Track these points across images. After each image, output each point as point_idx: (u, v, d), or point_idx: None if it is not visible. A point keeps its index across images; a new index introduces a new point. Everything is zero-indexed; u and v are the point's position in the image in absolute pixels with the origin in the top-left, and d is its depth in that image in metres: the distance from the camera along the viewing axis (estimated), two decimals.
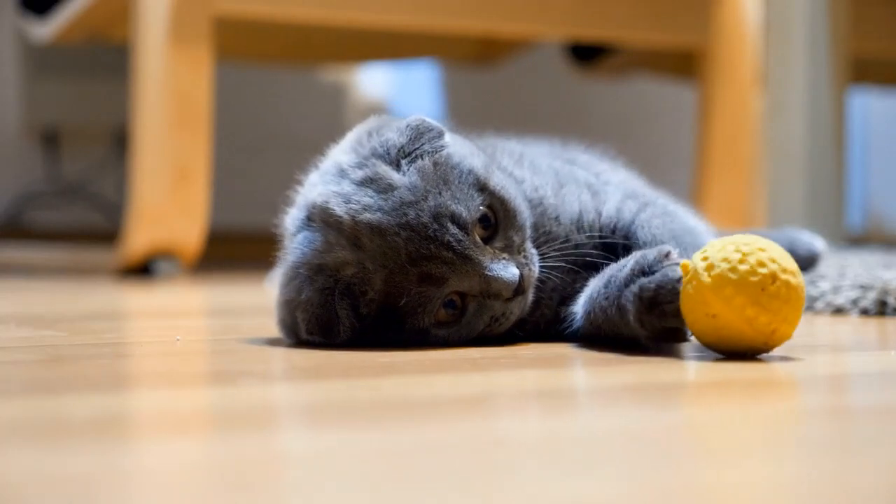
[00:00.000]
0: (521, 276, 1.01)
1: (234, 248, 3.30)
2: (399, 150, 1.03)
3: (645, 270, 0.99)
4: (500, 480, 0.58)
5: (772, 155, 2.57)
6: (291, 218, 1.09)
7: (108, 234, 2.93)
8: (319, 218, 1.03)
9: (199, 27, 2.24)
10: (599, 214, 1.11)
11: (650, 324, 0.98)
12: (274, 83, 4.15)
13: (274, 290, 1.09)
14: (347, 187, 1.02)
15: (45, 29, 2.69)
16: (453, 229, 1.00)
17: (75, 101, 3.95)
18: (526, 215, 1.06)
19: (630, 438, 0.70)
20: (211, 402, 0.85)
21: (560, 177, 1.14)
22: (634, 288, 0.98)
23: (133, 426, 0.76)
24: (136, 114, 2.28)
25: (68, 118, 3.99)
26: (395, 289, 1.00)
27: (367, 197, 1.01)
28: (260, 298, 1.83)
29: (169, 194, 2.22)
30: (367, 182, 1.02)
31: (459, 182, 1.02)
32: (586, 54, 3.56)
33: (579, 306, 1.07)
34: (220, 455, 0.65)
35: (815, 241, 1.56)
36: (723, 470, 0.62)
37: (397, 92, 4.33)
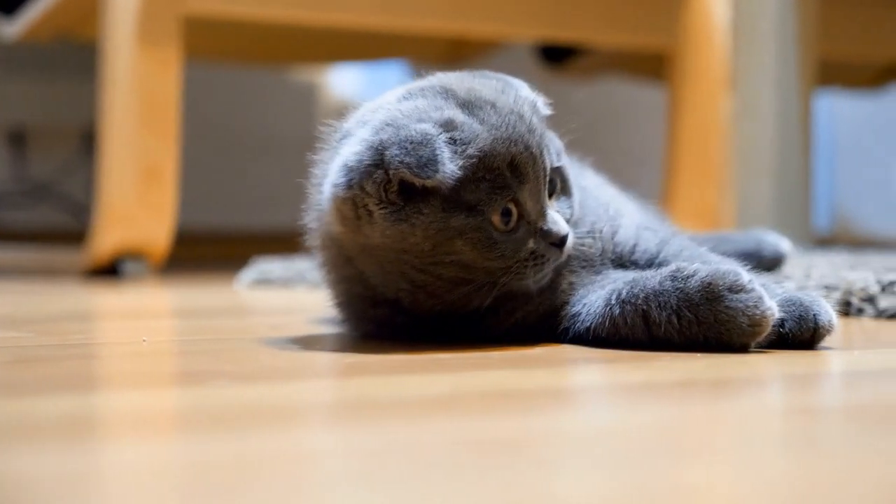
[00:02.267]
0: (568, 234, 1.05)
1: (202, 249, 3.29)
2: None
3: (686, 277, 1.03)
4: (471, 480, 0.58)
5: (740, 156, 2.59)
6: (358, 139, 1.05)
7: (75, 234, 2.92)
8: (431, 91, 1.06)
9: (167, 27, 2.23)
10: (615, 231, 1.14)
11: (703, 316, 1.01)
12: (244, 83, 4.14)
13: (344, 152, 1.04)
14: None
15: (13, 27, 2.67)
16: (546, 157, 1.05)
17: (43, 101, 3.94)
18: (577, 200, 1.10)
19: (601, 438, 0.70)
20: (179, 402, 0.85)
21: (582, 191, 1.16)
22: (681, 281, 1.02)
23: (101, 427, 0.76)
24: (104, 113, 2.27)
25: (36, 117, 3.98)
26: (485, 165, 1.01)
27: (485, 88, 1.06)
28: (228, 299, 1.83)
29: (137, 194, 2.22)
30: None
31: (549, 138, 1.08)
32: (556, 55, 3.57)
33: (588, 307, 1.07)
34: (189, 456, 0.65)
35: (781, 243, 1.57)
36: (692, 469, 0.62)
37: (368, 92, 4.33)
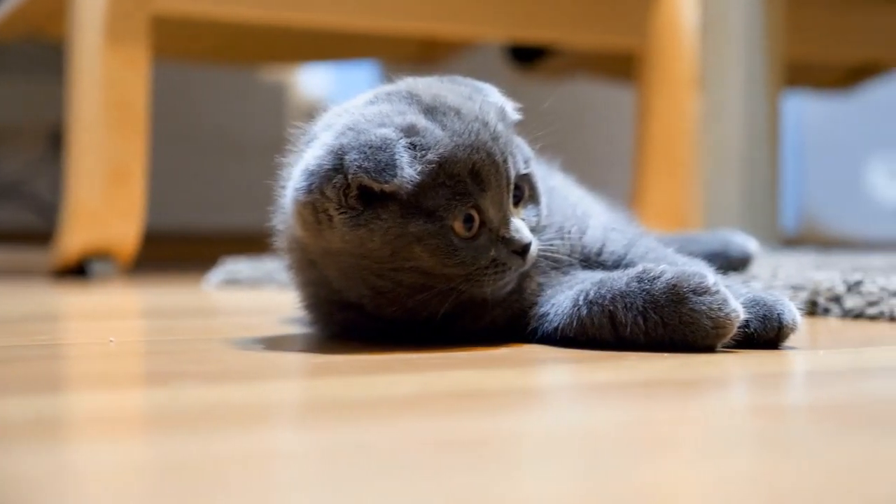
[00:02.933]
0: (531, 242, 1.05)
1: (170, 249, 3.28)
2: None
3: (652, 278, 1.03)
4: (436, 480, 0.58)
5: (708, 157, 2.60)
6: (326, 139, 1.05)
7: (42, 234, 2.90)
8: (397, 96, 1.06)
9: (136, 26, 2.23)
10: (583, 232, 1.14)
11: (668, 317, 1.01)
12: (213, 82, 4.13)
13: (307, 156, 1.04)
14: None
15: None
16: (510, 165, 1.05)
17: (10, 100, 3.92)
18: (544, 207, 1.10)
19: (567, 438, 0.71)
20: (146, 403, 0.85)
21: (550, 192, 1.16)
22: (647, 283, 1.03)
23: (68, 428, 0.76)
24: (72, 113, 2.26)
25: (2, 117, 3.96)
26: (445, 171, 1.01)
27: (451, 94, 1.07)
28: (197, 299, 1.82)
29: (105, 195, 2.21)
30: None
31: (515, 142, 1.08)
32: (526, 56, 3.57)
33: (556, 307, 1.08)
34: (156, 456, 0.65)
35: (748, 243, 1.57)
36: (657, 469, 0.62)
37: (338, 92, 4.32)
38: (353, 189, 1.00)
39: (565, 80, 3.94)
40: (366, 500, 0.55)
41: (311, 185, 1.01)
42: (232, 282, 2.02)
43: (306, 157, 1.03)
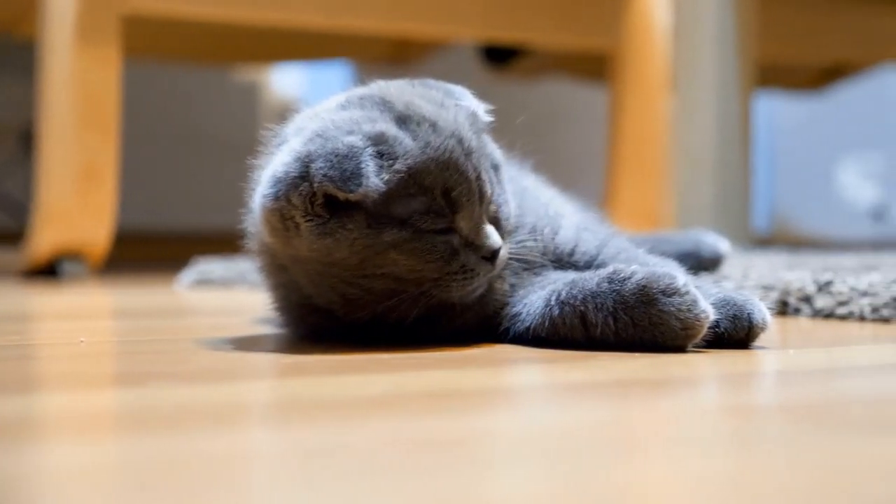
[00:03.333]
0: (500, 248, 1.05)
1: (142, 249, 3.27)
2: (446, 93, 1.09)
3: (623, 279, 1.03)
4: (406, 480, 0.58)
5: (680, 157, 2.61)
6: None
7: (13, 234, 2.89)
8: (370, 101, 1.05)
9: (107, 25, 2.22)
10: (555, 233, 1.14)
11: (638, 318, 1.01)
12: (185, 82, 4.12)
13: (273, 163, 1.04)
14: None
15: None
16: (485, 180, 1.05)
17: None
18: (513, 211, 1.10)
19: (538, 438, 0.71)
20: (117, 403, 0.84)
21: (522, 192, 1.16)
22: (617, 284, 1.03)
23: (38, 428, 0.75)
24: (43, 112, 2.25)
25: None
26: (415, 182, 1.01)
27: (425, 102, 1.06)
28: (168, 300, 1.82)
29: (76, 194, 2.20)
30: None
31: (487, 147, 1.08)
32: (500, 56, 3.57)
33: (528, 307, 1.08)
34: (127, 456, 0.64)
35: (720, 243, 1.58)
36: (628, 469, 0.62)
37: (311, 92, 4.32)
38: (318, 197, 1.00)
39: (538, 81, 3.95)
40: (339, 500, 0.55)
41: (277, 192, 1.01)
42: (204, 282, 2.02)
43: (274, 163, 1.03)
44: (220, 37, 3.24)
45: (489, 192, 1.05)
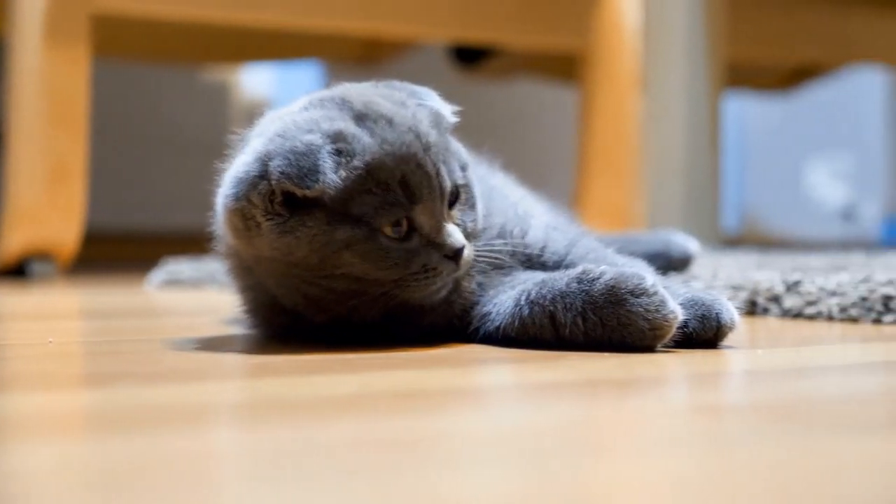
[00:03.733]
0: (464, 246, 1.05)
1: (111, 249, 3.26)
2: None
3: (592, 279, 1.03)
4: (371, 480, 0.58)
5: (650, 157, 2.61)
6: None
7: None
8: (330, 102, 1.05)
9: (76, 24, 2.21)
10: (524, 233, 1.13)
11: (606, 318, 1.02)
12: (154, 81, 4.10)
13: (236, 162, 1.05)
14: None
15: None
16: (444, 174, 1.04)
17: None
18: (481, 212, 1.10)
19: (506, 438, 0.71)
20: (85, 403, 0.84)
21: (491, 191, 1.16)
22: (586, 284, 1.03)
23: (5, 429, 0.75)
24: (12, 111, 2.24)
25: None
26: (373, 178, 1.01)
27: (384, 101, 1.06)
28: (138, 300, 1.81)
29: (45, 194, 2.19)
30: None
31: (450, 147, 1.08)
32: (470, 56, 3.58)
33: (498, 307, 1.08)
34: (95, 456, 0.64)
35: (689, 243, 1.58)
36: (596, 468, 0.63)
37: (281, 92, 4.31)
38: (277, 195, 1.00)
39: (509, 81, 3.95)
40: (306, 500, 0.55)
41: (238, 192, 1.01)
42: (173, 282, 2.01)
43: (236, 164, 1.04)
44: (190, 36, 3.23)
45: (449, 187, 1.05)
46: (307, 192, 0.99)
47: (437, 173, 1.04)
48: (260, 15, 2.53)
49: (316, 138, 1.00)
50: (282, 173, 0.99)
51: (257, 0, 2.50)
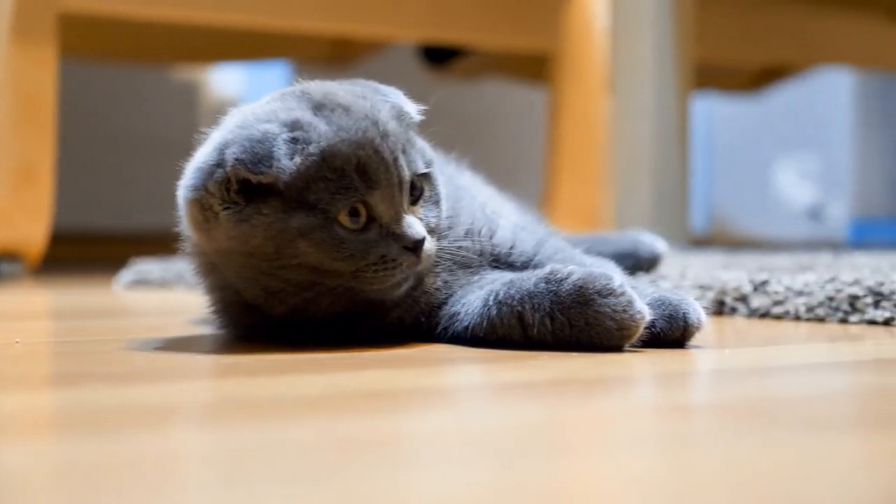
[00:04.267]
0: (425, 238, 1.04)
1: (79, 249, 3.24)
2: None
3: (560, 280, 1.03)
4: (336, 480, 0.58)
5: (619, 158, 2.62)
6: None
7: None
8: (290, 95, 1.06)
9: (43, 24, 2.20)
10: (492, 233, 1.14)
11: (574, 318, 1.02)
12: (123, 81, 4.09)
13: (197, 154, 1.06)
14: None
15: None
16: (403, 163, 1.04)
17: None
18: (445, 210, 1.10)
19: (472, 438, 0.71)
20: (52, 404, 0.84)
21: (458, 191, 1.16)
22: (554, 284, 1.03)
23: None
24: None
25: None
26: (328, 165, 1.01)
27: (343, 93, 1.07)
28: (106, 300, 1.80)
29: (12, 194, 2.18)
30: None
31: (414, 142, 1.08)
32: (439, 56, 3.58)
33: (466, 307, 1.08)
34: (61, 457, 0.64)
35: (657, 243, 1.59)
36: (562, 468, 0.63)
37: (250, 91, 4.30)
38: (233, 183, 1.00)
39: (478, 81, 3.95)
40: (272, 500, 0.55)
41: (196, 182, 1.02)
42: (141, 282, 2.00)
43: (196, 156, 1.04)
44: (159, 36, 3.22)
45: (408, 176, 1.05)
46: (261, 178, 1.00)
47: (395, 161, 1.04)
48: (228, 15, 2.52)
49: (272, 127, 1.01)
50: (236, 160, 0.99)
51: (226, 0, 2.50)
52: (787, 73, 3.99)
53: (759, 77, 4.01)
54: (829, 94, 4.63)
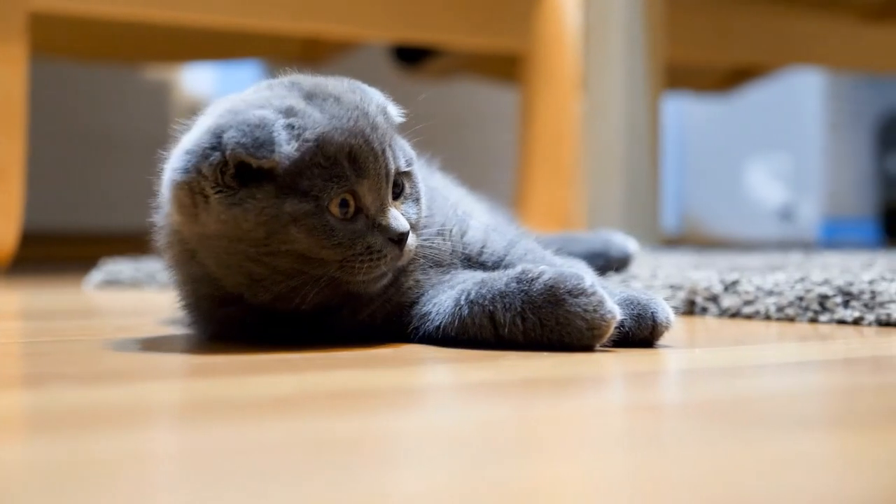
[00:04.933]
0: (408, 232, 1.06)
1: (50, 249, 3.23)
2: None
3: (531, 279, 1.04)
4: (309, 480, 0.58)
5: (590, 158, 2.62)
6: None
7: None
8: (279, 84, 1.07)
9: (13, 23, 2.19)
10: (463, 233, 1.14)
11: (545, 317, 1.02)
12: (94, 80, 4.07)
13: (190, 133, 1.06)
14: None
15: None
16: (389, 157, 1.06)
17: None
18: (425, 207, 1.11)
19: (443, 437, 0.71)
20: (21, 404, 0.83)
21: (430, 192, 1.16)
22: (525, 284, 1.03)
23: None
24: None
25: None
26: (322, 152, 1.02)
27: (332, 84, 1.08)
28: (76, 300, 1.80)
29: None
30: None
31: (398, 141, 1.10)
32: (411, 56, 3.58)
33: (438, 306, 1.08)
34: (29, 457, 0.64)
35: (628, 243, 1.59)
36: (533, 468, 0.63)
37: (221, 91, 4.29)
38: (230, 167, 1.01)
39: (450, 81, 3.95)
40: (244, 500, 0.55)
41: (187, 164, 1.02)
42: (112, 282, 2.00)
43: (184, 140, 1.05)
44: (130, 35, 3.21)
45: (394, 170, 1.06)
46: (262, 164, 1.00)
47: (383, 152, 1.06)
48: (199, 14, 2.51)
49: (268, 113, 1.02)
50: (238, 143, 1.00)
51: (198, 0, 2.49)
52: (758, 73, 4.00)
53: (731, 77, 4.03)
54: (800, 94, 4.65)
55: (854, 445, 0.67)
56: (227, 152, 1.00)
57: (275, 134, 1.00)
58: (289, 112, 1.02)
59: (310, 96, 1.05)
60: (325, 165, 1.02)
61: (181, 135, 1.08)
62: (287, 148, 1.00)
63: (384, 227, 1.05)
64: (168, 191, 1.04)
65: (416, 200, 1.10)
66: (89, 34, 3.14)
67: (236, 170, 1.01)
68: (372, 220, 1.05)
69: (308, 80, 1.09)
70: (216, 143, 1.01)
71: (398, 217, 1.06)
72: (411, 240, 1.07)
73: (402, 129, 1.13)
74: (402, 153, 1.09)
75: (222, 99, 1.09)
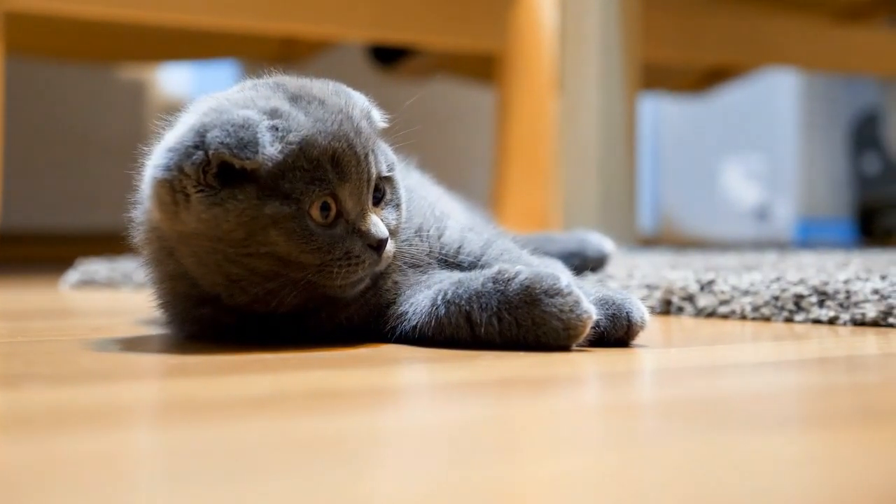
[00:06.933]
0: (387, 239, 1.06)
1: (25, 249, 3.21)
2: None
3: (507, 279, 1.04)
4: (285, 480, 0.58)
5: (567, 158, 2.63)
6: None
7: None
8: (264, 85, 1.08)
9: None
10: (440, 233, 1.14)
11: (522, 318, 1.02)
12: (70, 80, 4.06)
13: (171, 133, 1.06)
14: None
15: None
16: (371, 161, 1.06)
17: None
18: (404, 212, 1.11)
19: (418, 437, 0.71)
20: None
21: (408, 192, 1.17)
22: (501, 284, 1.04)
23: None
24: None
25: None
26: (305, 155, 1.02)
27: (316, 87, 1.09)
28: (52, 300, 1.79)
29: None
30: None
31: (380, 146, 1.10)
32: (388, 56, 3.57)
33: (415, 306, 1.08)
34: (6, 457, 0.64)
35: (605, 243, 1.60)
36: (508, 467, 0.63)
37: (198, 90, 4.28)
38: (212, 166, 1.01)
39: (427, 81, 3.95)
40: (219, 500, 0.55)
41: (169, 162, 1.02)
42: (88, 282, 1.99)
43: (167, 137, 1.04)
44: (106, 35, 3.20)
45: (375, 175, 1.07)
46: (245, 164, 1.00)
47: (366, 157, 1.06)
48: (175, 14, 2.51)
49: (252, 114, 1.02)
50: (221, 143, 1.00)
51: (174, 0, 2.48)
52: (733, 73, 4.01)
53: (706, 78, 4.04)
54: (775, 95, 4.66)
55: (828, 444, 0.67)
56: (211, 151, 1.00)
57: (259, 135, 1.00)
58: (273, 113, 1.02)
59: (294, 98, 1.05)
60: (307, 168, 1.02)
61: (163, 131, 1.08)
62: (270, 150, 1.00)
63: (364, 233, 1.05)
64: (149, 187, 1.04)
65: (397, 206, 1.10)
66: (65, 34, 3.13)
67: (219, 169, 1.01)
68: (352, 224, 1.05)
69: (293, 81, 1.09)
70: (199, 141, 1.01)
71: (378, 223, 1.06)
72: (390, 246, 1.07)
73: (383, 132, 1.13)
74: (385, 158, 1.09)
75: (206, 97, 1.09)
